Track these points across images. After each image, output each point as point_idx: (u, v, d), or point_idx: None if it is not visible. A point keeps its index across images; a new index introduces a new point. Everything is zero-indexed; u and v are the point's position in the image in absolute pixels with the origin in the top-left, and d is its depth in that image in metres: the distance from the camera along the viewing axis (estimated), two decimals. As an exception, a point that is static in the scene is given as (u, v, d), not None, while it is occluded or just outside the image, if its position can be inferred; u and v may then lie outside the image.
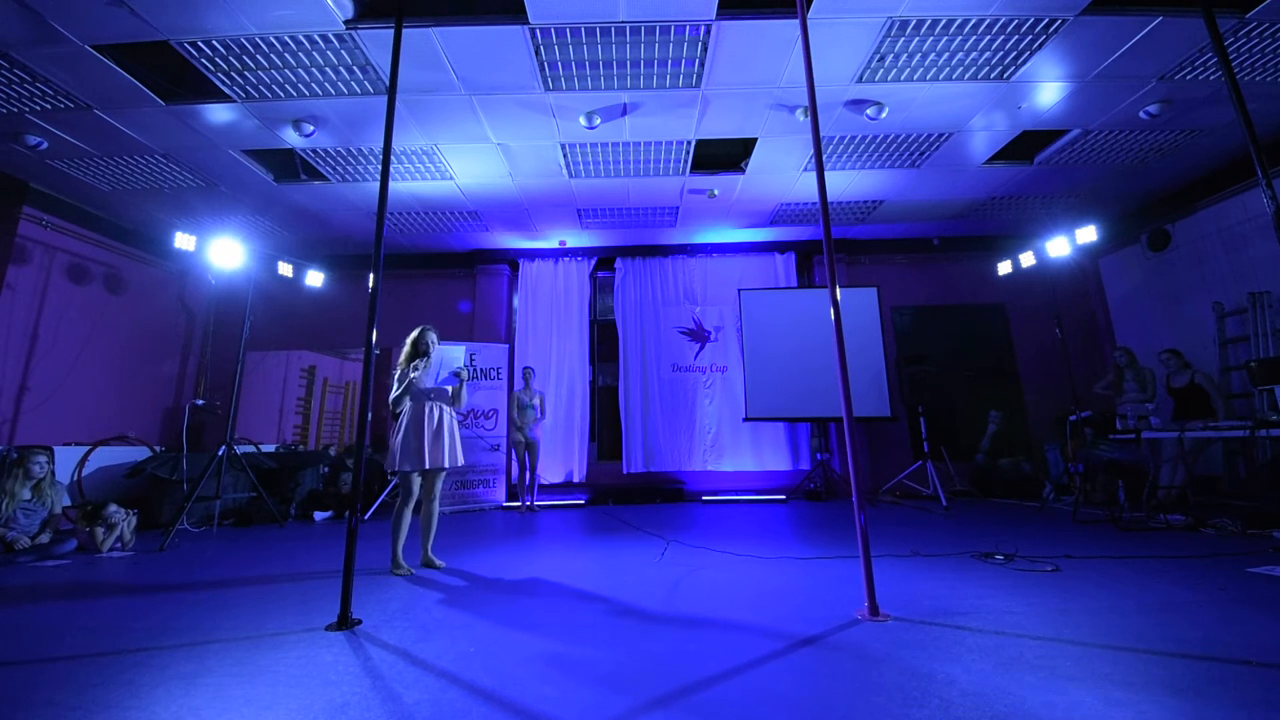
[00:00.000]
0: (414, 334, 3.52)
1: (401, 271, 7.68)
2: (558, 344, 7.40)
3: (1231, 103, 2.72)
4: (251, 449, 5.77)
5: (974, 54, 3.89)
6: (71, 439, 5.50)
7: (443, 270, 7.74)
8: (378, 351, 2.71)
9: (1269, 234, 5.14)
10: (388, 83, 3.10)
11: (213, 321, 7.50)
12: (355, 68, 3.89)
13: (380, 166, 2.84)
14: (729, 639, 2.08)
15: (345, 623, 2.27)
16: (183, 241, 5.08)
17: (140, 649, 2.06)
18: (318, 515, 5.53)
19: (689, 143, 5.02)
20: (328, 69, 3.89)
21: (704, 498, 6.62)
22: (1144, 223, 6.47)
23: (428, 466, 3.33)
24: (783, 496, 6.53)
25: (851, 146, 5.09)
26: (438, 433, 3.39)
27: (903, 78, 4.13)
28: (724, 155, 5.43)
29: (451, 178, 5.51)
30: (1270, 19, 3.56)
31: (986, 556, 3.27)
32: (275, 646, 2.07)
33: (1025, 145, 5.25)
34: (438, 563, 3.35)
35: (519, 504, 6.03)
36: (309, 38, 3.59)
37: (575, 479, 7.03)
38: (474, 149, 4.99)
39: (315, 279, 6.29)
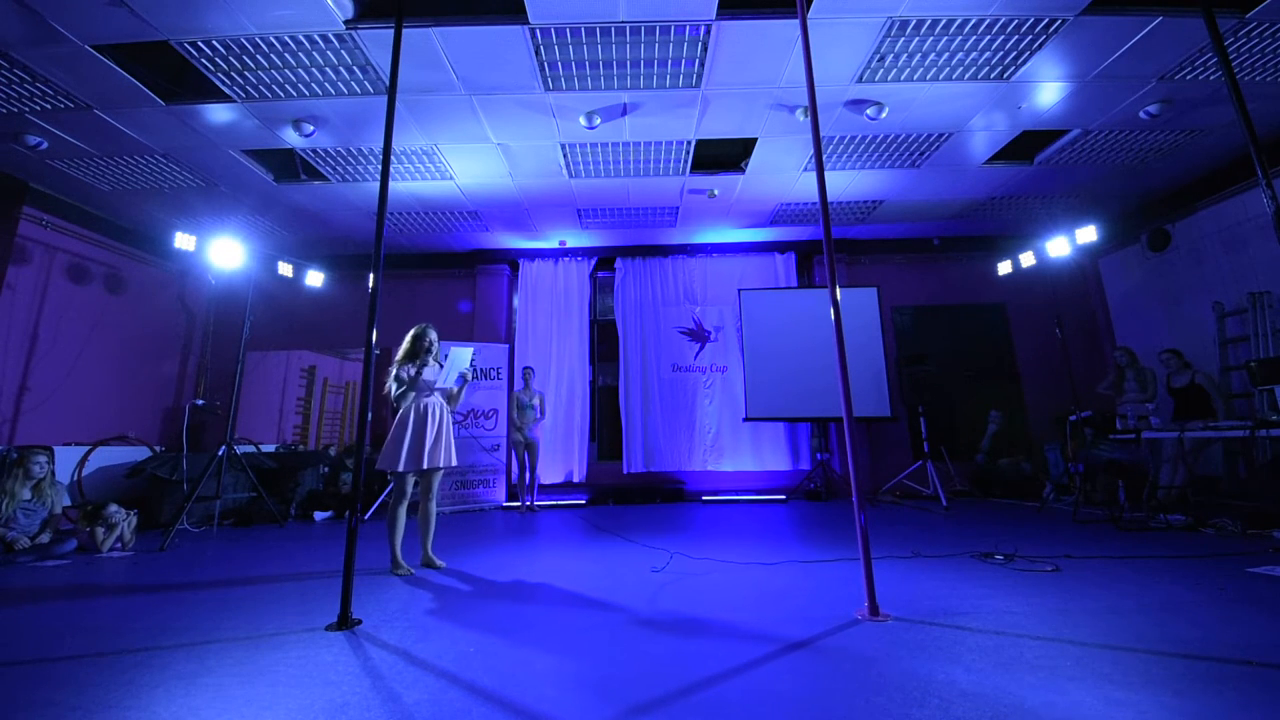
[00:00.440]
0: (414, 332, 3.50)
1: (401, 271, 7.68)
2: (558, 344, 7.40)
3: (1231, 103, 2.72)
4: (251, 449, 5.77)
5: (974, 54, 3.89)
6: (71, 439, 5.50)
7: (443, 270, 7.74)
8: (378, 351, 2.71)
9: (1269, 234, 5.15)
10: (388, 83, 3.10)
11: (213, 321, 7.50)
12: (355, 68, 3.89)
13: (380, 166, 2.84)
14: (729, 639, 2.08)
15: (345, 623, 2.27)
16: (183, 241, 5.08)
17: (140, 649, 2.06)
18: (318, 515, 5.53)
19: (689, 143, 5.02)
20: (328, 69, 3.89)
21: (704, 498, 6.62)
22: (1144, 223, 6.47)
23: (426, 467, 3.32)
24: (783, 496, 6.53)
25: (851, 146, 5.09)
26: (437, 433, 3.40)
27: (903, 78, 4.13)
28: (724, 155, 5.43)
29: (451, 178, 5.51)
30: (1270, 19, 3.56)
31: (986, 556, 3.27)
32: (275, 646, 2.07)
33: (1025, 145, 5.25)
34: (438, 563, 3.35)
35: (519, 504, 6.03)
36: (309, 38, 3.59)
37: (575, 479, 7.03)
38: (474, 149, 4.99)
39: (315, 279, 6.29)
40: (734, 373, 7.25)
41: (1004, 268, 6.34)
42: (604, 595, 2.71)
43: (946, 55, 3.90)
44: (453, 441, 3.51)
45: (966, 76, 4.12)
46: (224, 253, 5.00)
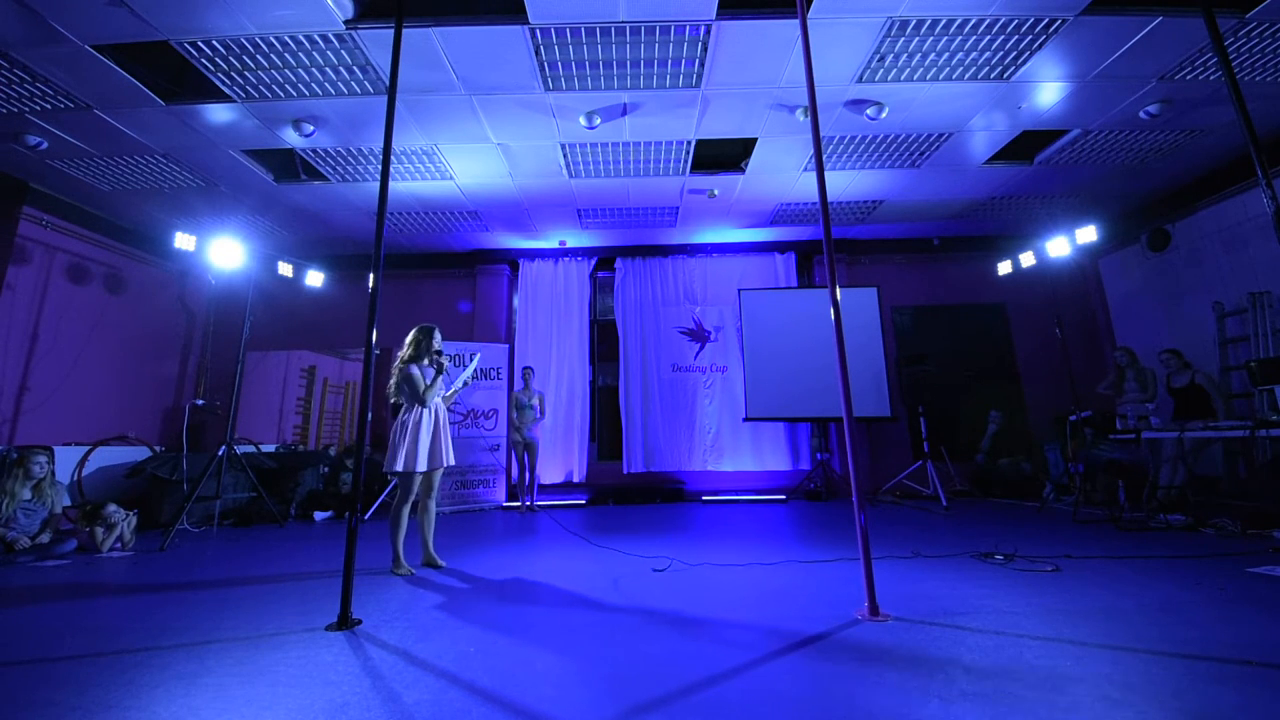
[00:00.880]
0: (424, 329, 3.50)
1: (401, 271, 7.68)
2: (558, 344, 7.40)
3: (1231, 103, 2.72)
4: (251, 449, 5.77)
5: (974, 54, 3.89)
6: (71, 439, 5.50)
7: (443, 270, 7.74)
8: (378, 351, 2.71)
9: (1269, 234, 5.15)
10: (388, 83, 3.10)
11: (213, 321, 7.49)
12: (355, 68, 3.89)
13: (380, 166, 2.84)
14: (729, 639, 2.08)
15: (345, 623, 2.27)
16: (183, 241, 5.08)
17: (140, 649, 2.06)
18: (318, 515, 5.53)
19: (689, 143, 5.02)
20: (328, 69, 3.89)
21: (704, 498, 6.62)
22: (1144, 223, 6.47)
23: (432, 466, 3.35)
24: (783, 496, 6.53)
25: (851, 146, 5.09)
26: (439, 433, 3.43)
27: (903, 78, 4.13)
28: (724, 155, 5.43)
29: (451, 178, 5.51)
30: (1270, 19, 3.56)
31: (986, 556, 3.27)
32: (275, 646, 2.07)
33: (1025, 145, 5.25)
34: (439, 562, 3.36)
35: (519, 504, 6.03)
36: (309, 38, 3.59)
37: (575, 479, 7.03)
38: (474, 149, 5.00)
39: (315, 279, 6.29)
40: (734, 373, 7.25)
41: (1004, 268, 6.34)
42: (604, 595, 2.71)
43: (946, 55, 3.90)
44: (450, 440, 3.55)
45: (966, 76, 4.13)
46: (224, 253, 5.00)
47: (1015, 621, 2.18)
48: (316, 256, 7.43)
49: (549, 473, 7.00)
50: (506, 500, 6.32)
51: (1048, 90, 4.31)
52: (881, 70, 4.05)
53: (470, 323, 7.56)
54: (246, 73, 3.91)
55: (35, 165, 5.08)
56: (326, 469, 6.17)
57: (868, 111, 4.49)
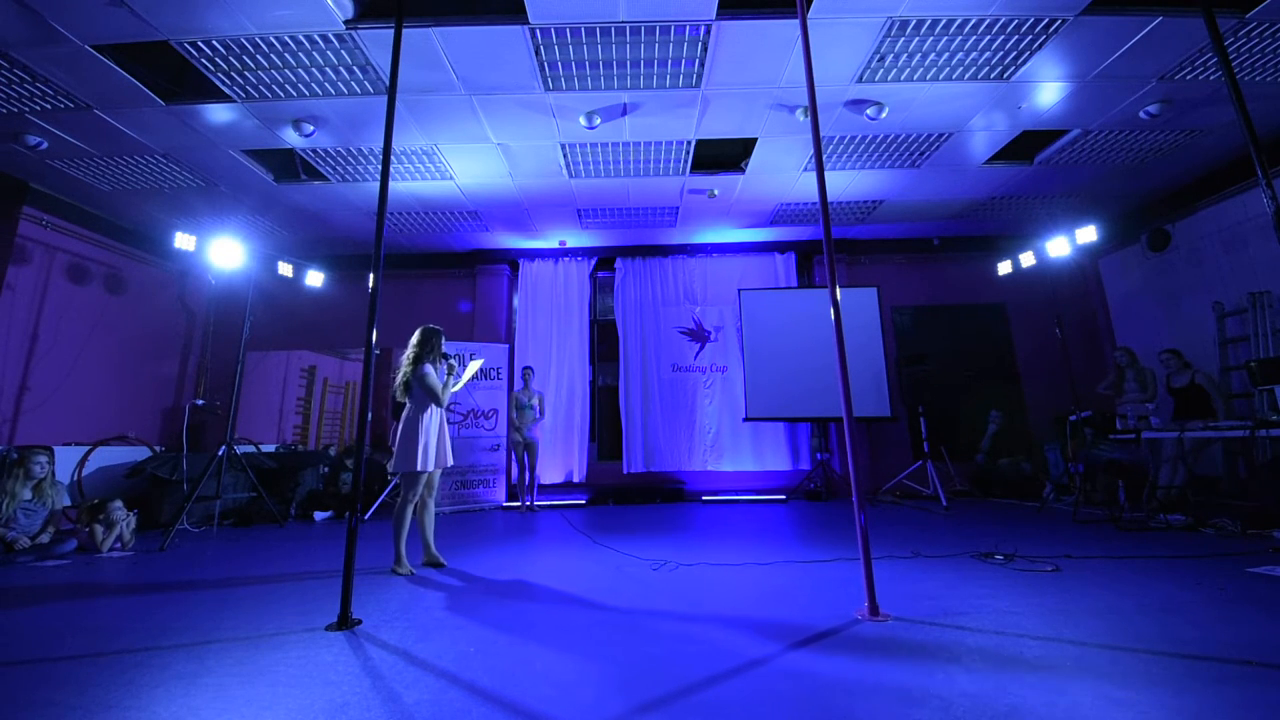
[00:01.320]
0: (432, 329, 3.49)
1: (401, 271, 7.68)
2: (558, 344, 7.40)
3: (1231, 103, 2.72)
4: (251, 449, 5.77)
5: (974, 54, 3.89)
6: (71, 439, 5.49)
7: (443, 270, 7.74)
8: (378, 351, 2.72)
9: (1269, 234, 5.15)
10: (388, 83, 3.10)
11: (213, 321, 7.50)
12: (355, 68, 3.89)
13: (380, 166, 2.84)
14: (729, 639, 2.08)
15: (345, 623, 2.27)
16: (183, 241, 5.08)
17: (140, 649, 2.06)
18: (318, 515, 5.53)
19: (689, 143, 5.02)
20: (328, 69, 3.89)
21: (704, 498, 6.62)
22: (1144, 223, 6.47)
23: (434, 467, 3.36)
24: (783, 496, 6.53)
25: (851, 146, 5.09)
26: (442, 433, 3.44)
27: (903, 78, 4.13)
28: (724, 155, 5.43)
29: (451, 178, 5.51)
30: (1270, 19, 3.56)
31: (986, 556, 3.27)
32: (275, 646, 2.07)
33: (1025, 145, 5.25)
34: (441, 561, 3.37)
35: (519, 504, 6.03)
36: (309, 38, 3.59)
37: (575, 479, 7.03)
38: (474, 149, 4.99)
39: (315, 279, 6.29)
40: (734, 373, 7.25)
41: (1004, 268, 6.35)
42: (603, 595, 2.71)
43: (946, 55, 3.90)
44: (450, 440, 3.58)
45: (966, 76, 4.12)
46: (224, 253, 5.00)
47: (1015, 621, 2.18)
48: (316, 256, 7.43)
49: (549, 473, 7.01)
50: (506, 500, 6.32)
51: (1048, 90, 4.31)
52: (881, 70, 4.05)
53: (470, 323, 7.56)
54: (246, 73, 3.91)
55: (35, 165, 5.08)
56: (326, 469, 6.17)
57: (868, 111, 4.49)
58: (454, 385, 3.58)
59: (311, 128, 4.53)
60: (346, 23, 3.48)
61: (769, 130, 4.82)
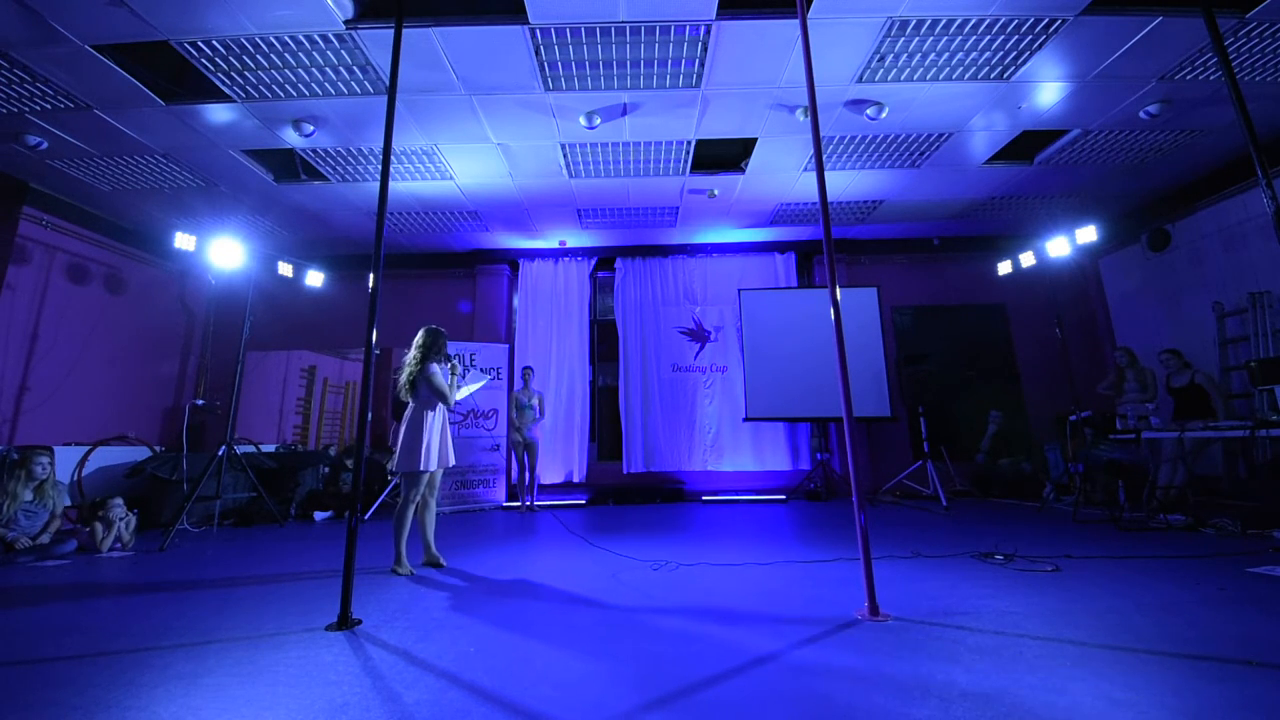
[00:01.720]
0: (435, 330, 3.48)
1: (401, 271, 7.68)
2: (558, 344, 7.41)
3: (1231, 103, 2.72)
4: (251, 449, 5.77)
5: (974, 54, 3.89)
6: (71, 439, 5.49)
7: (443, 270, 7.74)
8: (378, 351, 2.72)
9: (1269, 234, 5.15)
10: (388, 83, 3.10)
11: (213, 321, 7.50)
12: (355, 68, 3.89)
13: (380, 166, 2.84)
14: (729, 639, 2.08)
15: (345, 623, 2.27)
16: (183, 241, 5.08)
17: (140, 649, 2.06)
18: (318, 515, 5.53)
19: (689, 143, 5.02)
20: (328, 69, 3.89)
21: (704, 498, 6.62)
22: (1144, 223, 6.47)
23: (436, 466, 3.36)
24: (783, 496, 6.53)
25: (851, 146, 5.09)
26: (443, 433, 3.45)
27: (903, 78, 4.13)
28: (724, 155, 5.43)
29: (451, 178, 5.51)
30: (1270, 19, 3.56)
31: (986, 556, 3.27)
32: (275, 646, 2.07)
33: (1025, 145, 5.25)
34: (441, 561, 3.37)
35: (519, 504, 6.03)
36: (309, 38, 3.59)
37: (575, 479, 7.03)
38: (474, 149, 4.99)
39: (315, 279, 6.29)
40: (734, 373, 7.25)
41: (1004, 268, 6.35)
42: (603, 595, 2.71)
43: (946, 55, 3.90)
44: (451, 440, 3.59)
45: (966, 76, 4.12)
46: (224, 253, 5.00)
47: (1015, 621, 2.18)
48: (316, 256, 7.43)
49: (549, 473, 7.01)
50: (506, 500, 6.32)
51: (1048, 90, 4.31)
52: (881, 70, 4.05)
53: (470, 323, 7.56)
54: (246, 73, 3.91)
55: (35, 165, 5.08)
56: (326, 469, 6.17)
57: (868, 111, 4.49)
58: (457, 394, 3.58)
59: (311, 128, 4.53)
60: (346, 23, 3.48)
61: (769, 130, 4.82)
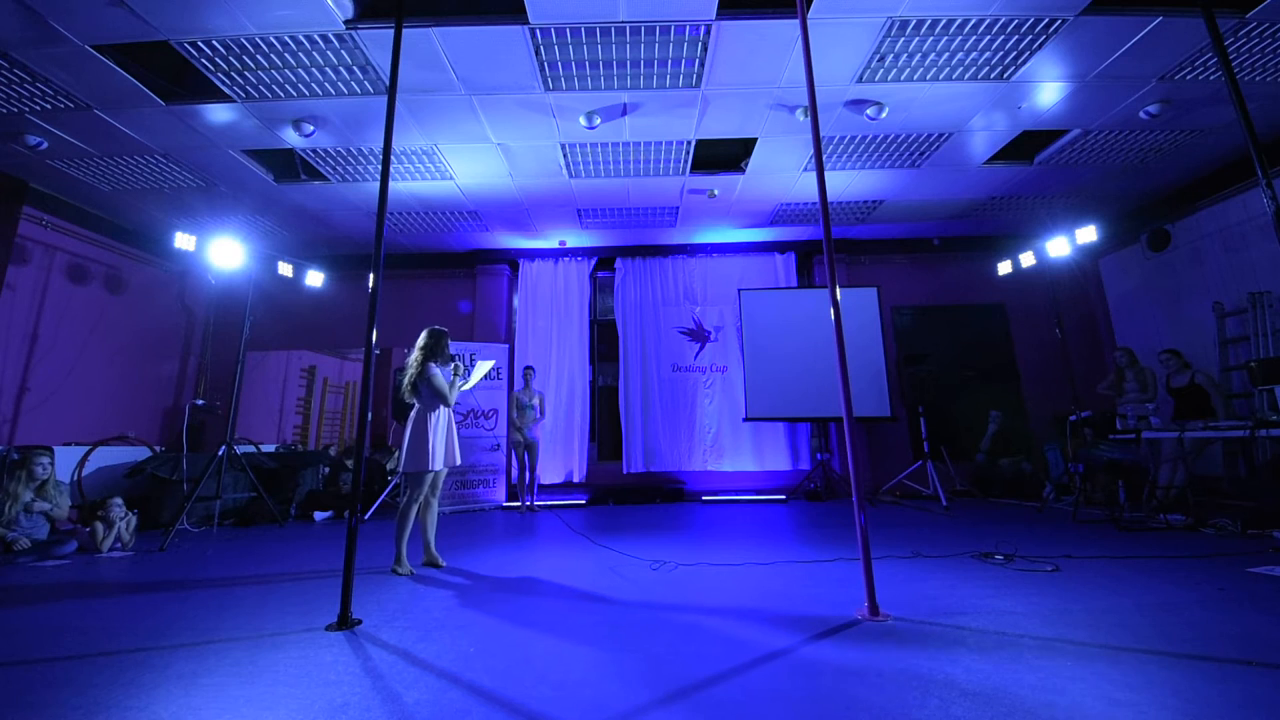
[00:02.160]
0: (437, 331, 3.49)
1: (401, 271, 7.68)
2: (558, 344, 7.40)
3: (1231, 103, 2.72)
4: (251, 449, 5.77)
5: (974, 54, 3.89)
6: (71, 439, 5.49)
7: (443, 270, 7.74)
8: (378, 351, 2.72)
9: (1269, 234, 5.14)
10: (388, 83, 3.10)
11: (213, 321, 7.49)
12: (355, 68, 3.89)
13: (380, 166, 2.84)
14: (729, 639, 2.08)
15: (345, 623, 2.27)
16: (183, 241, 5.08)
17: (140, 649, 2.06)
18: (318, 515, 5.53)
19: (689, 143, 5.02)
20: (328, 69, 3.89)
21: (704, 498, 6.62)
22: (1144, 223, 6.47)
23: (443, 466, 3.37)
24: (783, 496, 6.53)
25: (851, 146, 5.09)
26: (449, 433, 3.45)
27: (903, 78, 4.13)
28: (724, 155, 5.43)
29: (451, 178, 5.51)
30: (1270, 19, 3.56)
31: (986, 556, 3.27)
32: (275, 646, 2.07)
33: (1025, 145, 5.25)
34: (440, 561, 3.37)
35: (519, 504, 6.03)
36: (309, 38, 3.59)
37: (575, 479, 7.03)
38: (474, 149, 4.99)
39: (315, 279, 6.29)
40: (734, 373, 7.25)
41: (1004, 268, 6.35)
42: (603, 595, 2.71)
43: (946, 55, 3.90)
44: (458, 440, 3.59)
45: (966, 76, 4.12)
46: (224, 253, 5.00)
47: (1015, 621, 2.18)
48: (316, 256, 7.43)
49: (549, 473, 7.00)
50: (506, 500, 6.32)
51: (1048, 90, 4.31)
52: (881, 70, 4.05)
53: (470, 323, 7.56)
54: (246, 73, 3.91)
55: (35, 165, 5.08)
56: (326, 469, 6.16)
57: (868, 111, 4.49)
58: (464, 385, 3.61)
59: (311, 128, 4.53)
60: (346, 23, 3.48)
61: (769, 130, 4.82)
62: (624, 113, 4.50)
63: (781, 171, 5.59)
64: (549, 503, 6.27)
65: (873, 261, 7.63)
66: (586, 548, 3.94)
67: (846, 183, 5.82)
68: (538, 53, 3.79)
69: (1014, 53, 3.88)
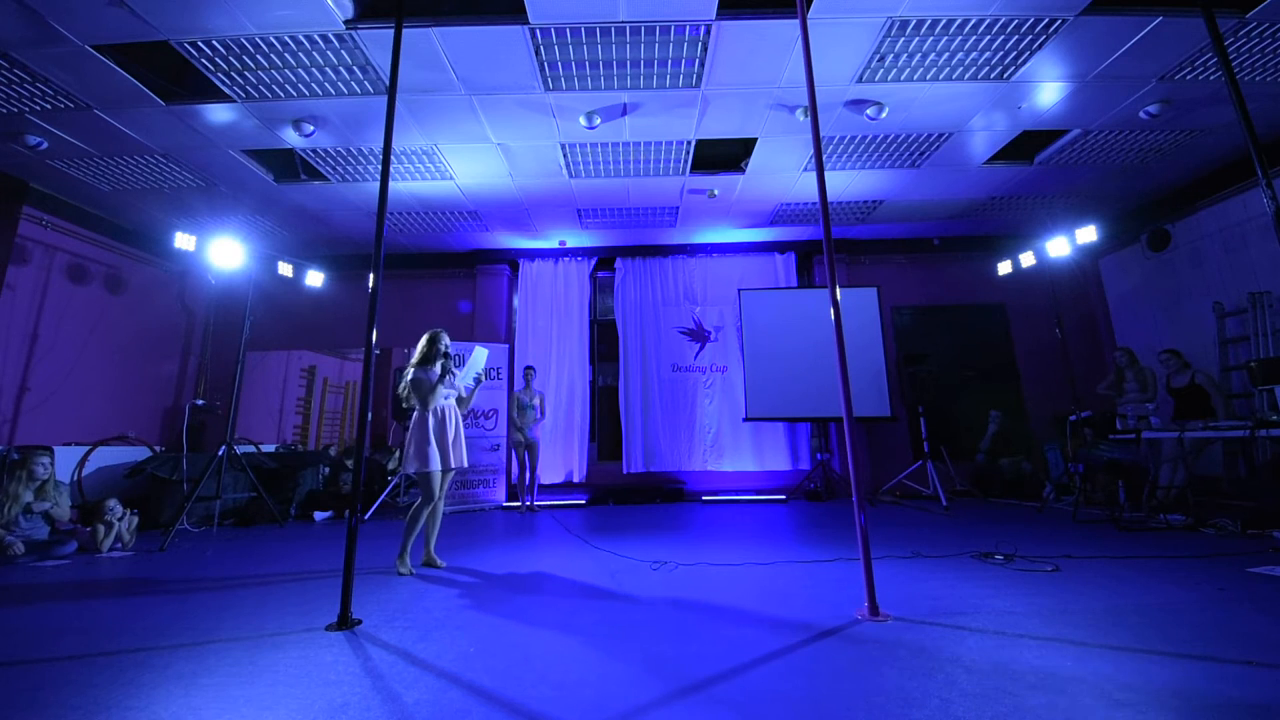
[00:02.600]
0: (430, 335, 3.49)
1: (401, 271, 7.68)
2: (558, 344, 7.40)
3: (1231, 103, 2.72)
4: (251, 449, 5.77)
5: (974, 54, 3.89)
6: (71, 439, 5.49)
7: (443, 270, 7.74)
8: (378, 351, 2.72)
9: (1269, 234, 5.14)
10: (388, 83, 3.10)
11: (213, 321, 7.50)
12: (355, 68, 3.89)
13: (380, 166, 2.84)
14: (729, 639, 2.08)
15: (345, 623, 2.27)
16: (183, 241, 5.08)
17: (140, 649, 2.06)
18: (318, 515, 5.53)
19: (689, 143, 5.02)
20: (328, 69, 3.89)
21: (704, 498, 6.62)
22: (1144, 223, 6.47)
23: (449, 467, 3.37)
24: (783, 496, 6.53)
25: (851, 146, 5.09)
26: (455, 434, 3.45)
27: (903, 78, 4.13)
28: (724, 155, 5.43)
29: (451, 178, 5.51)
30: (1270, 19, 3.56)
31: (986, 556, 3.27)
32: (275, 646, 2.07)
33: (1025, 145, 5.25)
34: (439, 562, 3.37)
35: (519, 504, 6.03)
36: (309, 38, 3.59)
37: (575, 479, 7.03)
38: (474, 149, 4.99)
39: (315, 279, 6.29)
40: (734, 373, 7.25)
41: (1004, 268, 6.34)
42: (604, 595, 2.71)
43: (946, 55, 3.90)
44: (465, 442, 3.59)
45: (966, 76, 4.12)
46: (224, 253, 5.00)
47: (1015, 621, 2.18)
48: (316, 256, 7.43)
49: (549, 473, 7.00)
50: (506, 500, 6.32)
51: (1048, 90, 4.31)
52: (881, 70, 4.05)
53: (470, 323, 7.56)
54: (246, 73, 3.91)
55: (35, 165, 5.08)
56: (326, 469, 6.16)
57: (868, 111, 4.49)
58: (461, 380, 3.59)
59: (311, 128, 4.53)
60: (346, 23, 3.48)
61: (769, 130, 4.82)
62: (624, 113, 4.50)
63: (781, 171, 5.59)
64: (549, 503, 6.27)
65: (873, 261, 7.63)
66: (586, 548, 3.94)
67: (846, 183, 5.82)
68: (538, 53, 3.79)
69: (1014, 53, 3.88)
